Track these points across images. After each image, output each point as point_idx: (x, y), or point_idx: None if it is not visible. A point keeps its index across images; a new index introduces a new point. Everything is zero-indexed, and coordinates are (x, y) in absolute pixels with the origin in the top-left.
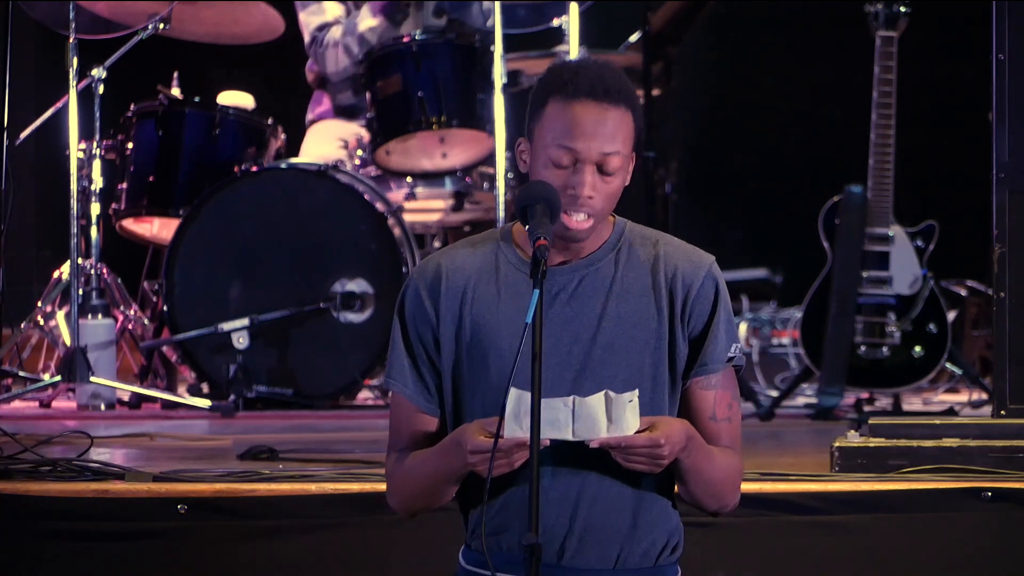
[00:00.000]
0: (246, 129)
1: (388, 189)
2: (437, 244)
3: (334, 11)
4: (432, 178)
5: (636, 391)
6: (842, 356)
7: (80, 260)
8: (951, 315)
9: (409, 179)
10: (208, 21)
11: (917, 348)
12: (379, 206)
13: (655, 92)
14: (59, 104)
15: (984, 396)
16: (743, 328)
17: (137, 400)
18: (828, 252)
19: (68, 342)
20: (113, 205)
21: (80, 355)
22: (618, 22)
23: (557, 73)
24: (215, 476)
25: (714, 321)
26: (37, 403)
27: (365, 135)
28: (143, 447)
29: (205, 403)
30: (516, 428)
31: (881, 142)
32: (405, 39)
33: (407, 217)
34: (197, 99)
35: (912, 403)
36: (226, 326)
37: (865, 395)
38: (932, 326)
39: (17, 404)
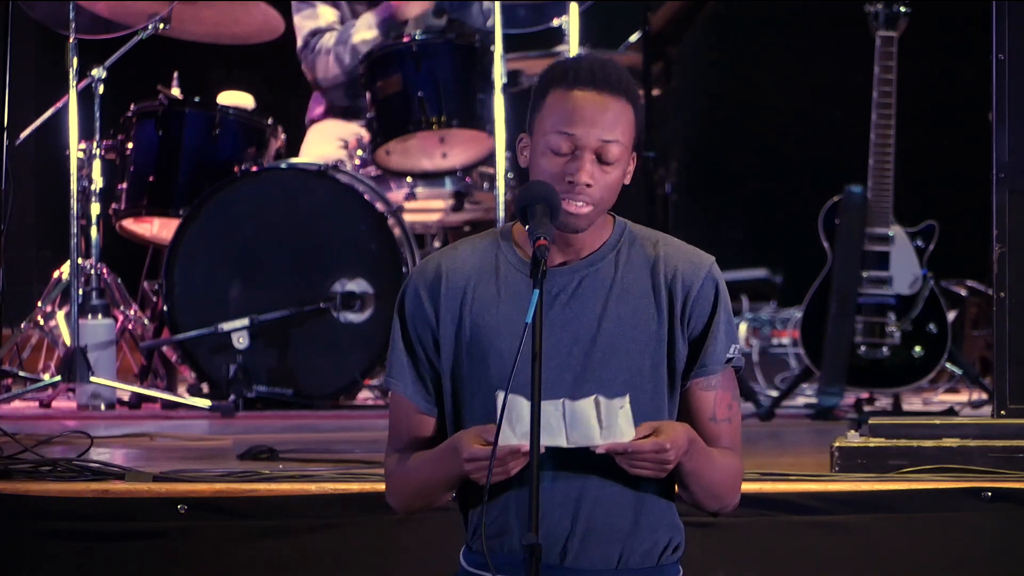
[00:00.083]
0: (246, 129)
1: (388, 189)
2: (437, 244)
3: (328, 16)
4: (432, 178)
5: (627, 396)
6: (842, 356)
7: (80, 260)
8: (951, 315)
9: (409, 179)
10: (208, 21)
11: (917, 348)
12: (379, 206)
13: (655, 92)
14: (59, 104)
15: (984, 396)
16: (743, 328)
17: (137, 400)
18: (828, 252)
19: (68, 342)
20: (113, 205)
21: (80, 355)
22: (618, 22)
23: (559, 66)
24: (215, 476)
25: (714, 322)
26: (37, 403)
27: (365, 135)
28: (143, 447)
29: (205, 403)
30: (510, 434)
31: (881, 142)
32: (405, 39)
33: (407, 217)
34: (197, 99)
35: (912, 403)
36: (226, 326)
37: (865, 395)
38: (932, 326)
39: (17, 404)
